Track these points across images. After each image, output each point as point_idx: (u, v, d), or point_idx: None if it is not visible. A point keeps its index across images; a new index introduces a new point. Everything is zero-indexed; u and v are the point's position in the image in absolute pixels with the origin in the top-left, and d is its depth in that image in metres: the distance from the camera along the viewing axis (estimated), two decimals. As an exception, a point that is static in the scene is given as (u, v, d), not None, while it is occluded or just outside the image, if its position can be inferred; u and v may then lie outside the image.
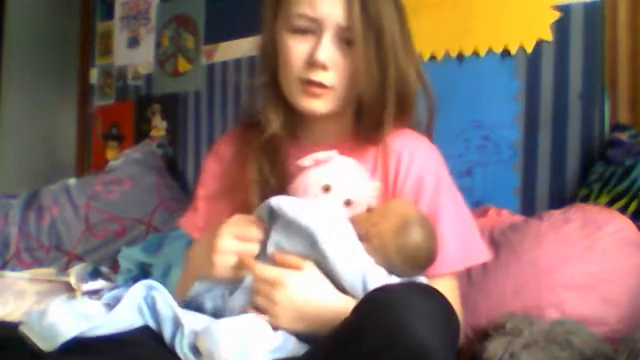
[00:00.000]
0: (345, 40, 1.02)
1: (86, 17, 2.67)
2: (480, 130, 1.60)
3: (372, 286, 0.88)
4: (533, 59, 1.54)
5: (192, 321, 0.89)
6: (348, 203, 1.00)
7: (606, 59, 1.46)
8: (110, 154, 2.49)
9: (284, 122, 1.08)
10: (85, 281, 1.67)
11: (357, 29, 1.00)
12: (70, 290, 1.65)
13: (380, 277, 0.93)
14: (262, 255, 0.97)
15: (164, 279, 1.61)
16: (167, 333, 0.88)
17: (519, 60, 1.56)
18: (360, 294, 0.89)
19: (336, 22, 1.01)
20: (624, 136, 1.38)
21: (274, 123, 1.07)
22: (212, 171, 1.19)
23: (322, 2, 1.01)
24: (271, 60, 1.08)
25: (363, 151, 1.10)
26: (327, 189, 1.00)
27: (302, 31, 1.03)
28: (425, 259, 0.98)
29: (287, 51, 1.04)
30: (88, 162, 2.62)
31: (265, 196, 1.04)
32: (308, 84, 1.03)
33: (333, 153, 1.03)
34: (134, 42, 2.45)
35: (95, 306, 0.90)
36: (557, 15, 1.51)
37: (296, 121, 1.11)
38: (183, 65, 2.28)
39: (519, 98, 1.56)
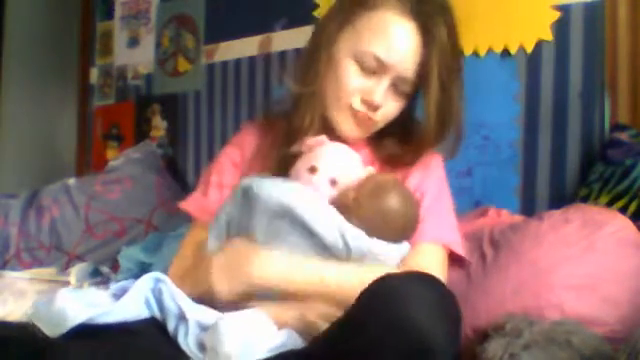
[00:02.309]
0: (397, 88, 1.09)
1: (86, 17, 2.67)
2: (480, 130, 1.60)
3: (353, 241, 0.94)
4: (533, 59, 1.54)
5: (199, 314, 0.90)
6: (333, 182, 1.03)
7: (606, 59, 1.46)
8: (110, 154, 2.49)
9: (318, 131, 1.12)
10: (85, 281, 1.67)
11: (432, 81, 1.06)
12: (70, 290, 1.66)
13: (359, 234, 0.96)
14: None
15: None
16: (171, 326, 0.89)
17: (519, 60, 1.56)
18: (343, 250, 0.94)
19: (398, 72, 1.07)
20: (624, 136, 1.38)
21: (310, 135, 1.10)
22: (233, 160, 1.21)
23: (398, 50, 1.06)
24: (321, 72, 1.11)
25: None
26: (313, 170, 1.03)
27: (366, 68, 1.08)
28: (402, 222, 1.02)
29: (346, 79, 1.08)
30: (88, 162, 2.62)
31: None
32: (359, 114, 1.09)
33: (323, 138, 1.07)
34: (134, 42, 2.45)
35: (102, 295, 0.90)
36: (557, 15, 1.51)
37: (324, 126, 1.15)
38: (183, 65, 2.28)
39: (519, 98, 1.56)
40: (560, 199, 1.46)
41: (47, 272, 1.79)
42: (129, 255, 1.78)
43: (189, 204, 1.21)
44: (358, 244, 0.96)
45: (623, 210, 1.25)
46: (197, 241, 1.15)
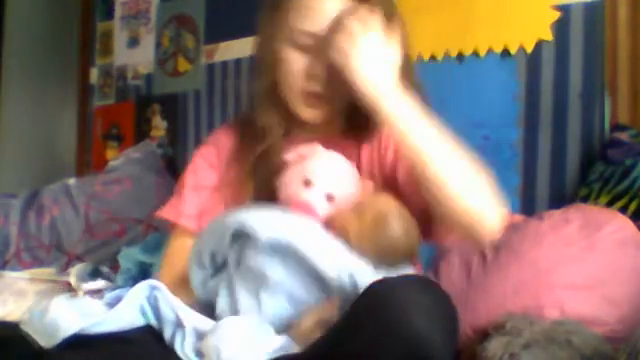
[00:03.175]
0: None
1: (86, 17, 2.67)
2: (480, 130, 1.60)
3: (362, 284, 0.86)
4: (533, 59, 1.54)
5: (196, 321, 0.89)
6: (330, 198, 0.99)
7: (606, 59, 1.46)
8: (110, 154, 2.49)
9: (281, 125, 1.12)
10: (85, 281, 1.67)
11: None
12: (70, 290, 1.65)
13: (368, 274, 0.90)
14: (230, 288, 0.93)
15: (164, 279, 1.61)
16: (167, 333, 0.88)
17: (519, 60, 1.56)
18: (350, 294, 0.87)
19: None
20: (624, 136, 1.38)
21: (275, 130, 1.11)
22: (208, 160, 1.20)
23: (322, 19, 1.04)
24: (269, 67, 1.11)
25: (348, 144, 1.13)
26: (308, 183, 0.99)
27: (301, 47, 1.06)
28: (404, 253, 0.97)
29: (288, 64, 1.08)
30: (88, 162, 2.62)
31: (257, 193, 1.07)
32: (308, 95, 1.08)
33: (317, 147, 1.04)
34: (134, 42, 2.45)
35: (96, 304, 0.89)
36: (557, 15, 1.51)
37: (290, 118, 1.14)
38: (183, 65, 2.28)
39: (519, 98, 1.56)
40: (560, 199, 1.46)
41: (47, 272, 1.79)
42: (129, 255, 1.78)
43: (165, 211, 1.19)
44: (367, 281, 0.89)
45: (623, 210, 1.25)
46: (179, 250, 1.13)
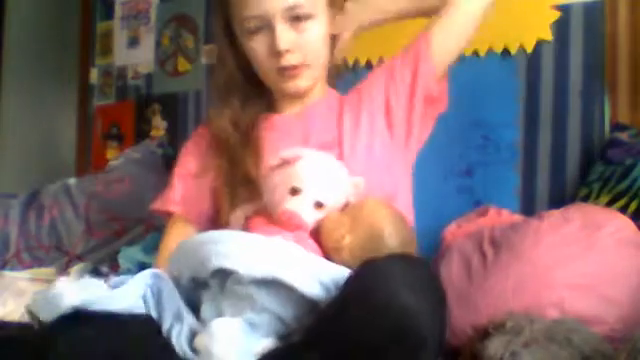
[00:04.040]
0: (296, 17, 1.10)
1: (86, 17, 2.67)
2: (480, 130, 1.60)
3: (331, 283, 0.85)
4: (533, 59, 1.54)
5: (191, 319, 0.90)
6: (319, 205, 0.97)
7: (606, 59, 1.46)
8: (110, 154, 2.49)
9: (236, 118, 1.17)
10: (85, 281, 1.67)
11: (304, 5, 1.09)
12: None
13: (333, 271, 0.88)
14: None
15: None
16: (166, 324, 0.88)
17: (519, 60, 1.56)
18: (321, 296, 0.84)
19: (280, 8, 1.08)
20: (624, 136, 1.38)
21: (223, 124, 1.16)
22: (191, 149, 1.24)
23: None
24: (224, 65, 1.18)
25: (330, 98, 1.21)
26: (295, 192, 0.97)
27: (255, 31, 1.10)
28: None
29: (253, 53, 1.12)
30: (88, 162, 2.62)
31: (235, 179, 1.12)
32: (283, 70, 1.11)
33: (301, 151, 1.01)
34: (134, 42, 2.45)
35: (101, 285, 0.89)
36: (557, 15, 1.51)
37: (272, 98, 1.20)
38: (183, 65, 2.28)
39: (519, 98, 1.56)
40: (560, 199, 1.46)
41: (47, 272, 1.79)
42: (129, 255, 1.78)
43: (156, 204, 1.23)
44: None
45: (623, 210, 1.25)
46: (172, 240, 1.15)
